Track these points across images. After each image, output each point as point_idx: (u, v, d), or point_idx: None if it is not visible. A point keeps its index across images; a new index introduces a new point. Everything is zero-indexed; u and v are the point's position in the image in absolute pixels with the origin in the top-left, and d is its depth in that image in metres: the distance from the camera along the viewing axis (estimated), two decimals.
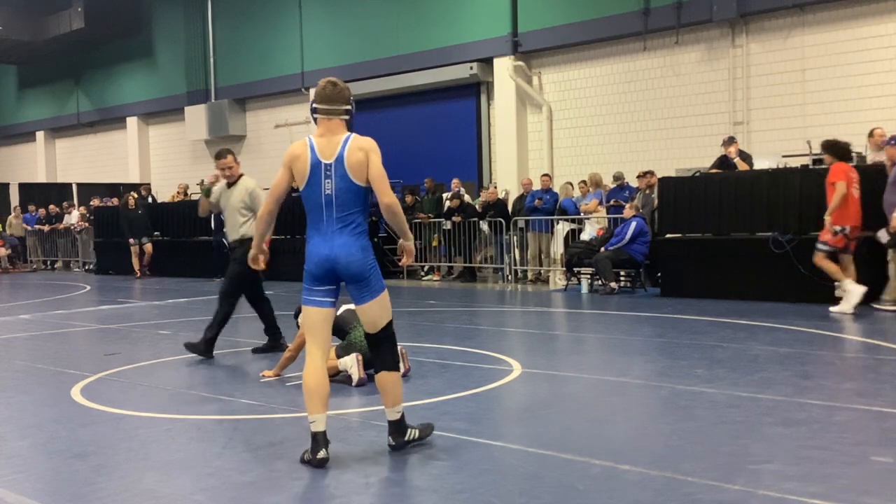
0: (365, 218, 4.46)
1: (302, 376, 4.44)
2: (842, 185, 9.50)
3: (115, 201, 22.88)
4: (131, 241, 18.73)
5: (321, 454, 4.30)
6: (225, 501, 3.88)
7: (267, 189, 5.43)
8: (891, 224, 9.41)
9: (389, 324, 4.54)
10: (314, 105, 4.43)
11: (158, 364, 7.63)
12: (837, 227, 9.61)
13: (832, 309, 9.57)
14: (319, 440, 4.34)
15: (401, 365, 5.02)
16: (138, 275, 18.63)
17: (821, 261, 9.73)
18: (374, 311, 4.47)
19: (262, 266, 4.92)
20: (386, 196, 4.36)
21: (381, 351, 4.53)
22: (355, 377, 6.18)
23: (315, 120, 4.45)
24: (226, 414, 5.59)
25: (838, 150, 9.95)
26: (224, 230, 7.96)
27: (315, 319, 4.44)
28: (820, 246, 9.74)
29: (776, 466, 4.11)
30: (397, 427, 4.54)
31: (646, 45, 16.04)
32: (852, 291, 9.41)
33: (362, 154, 4.33)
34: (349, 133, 4.41)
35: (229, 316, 7.71)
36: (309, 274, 4.43)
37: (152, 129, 27.02)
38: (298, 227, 16.94)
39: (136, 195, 19.77)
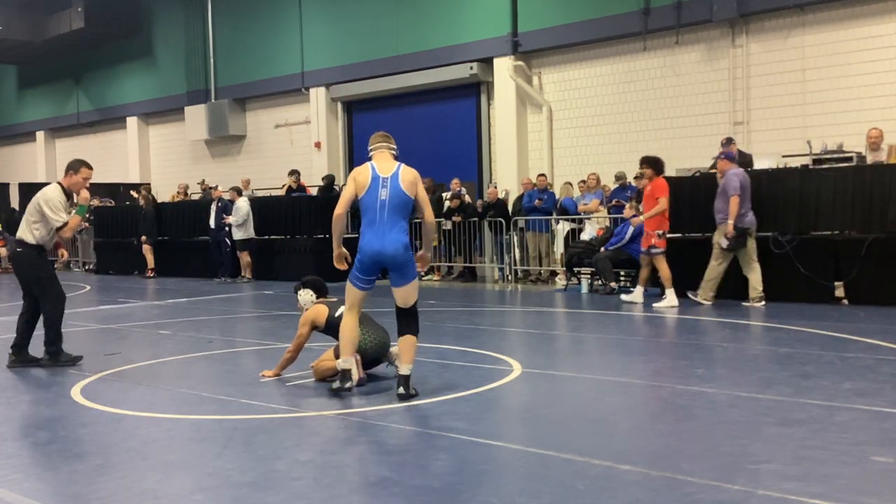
0: (408, 223, 5.89)
1: (340, 328, 5.94)
2: (664, 201, 10.86)
3: (112, 202, 22.89)
4: (144, 238, 18.69)
5: (347, 384, 5.86)
6: (225, 501, 3.89)
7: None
8: (727, 231, 10.43)
9: (416, 303, 5.91)
10: (371, 146, 6.00)
11: (158, 364, 7.63)
12: (660, 232, 10.91)
13: (624, 297, 11.50)
14: (346, 375, 5.88)
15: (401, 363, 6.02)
16: (152, 274, 18.60)
17: (663, 263, 10.92)
18: (408, 292, 5.85)
19: (345, 266, 6.05)
20: (430, 214, 6.07)
21: (408, 321, 5.89)
22: (354, 377, 6.17)
23: (371, 157, 5.97)
24: (225, 414, 5.59)
25: (659, 165, 11.15)
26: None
27: (357, 297, 5.90)
28: (656, 251, 10.94)
29: (776, 466, 4.11)
30: (406, 381, 5.76)
31: (646, 44, 16.03)
32: (638, 294, 11.42)
33: (413, 177, 5.85)
34: (400, 163, 5.93)
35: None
36: (361, 264, 5.81)
37: (152, 129, 27.00)
38: (297, 229, 16.95)
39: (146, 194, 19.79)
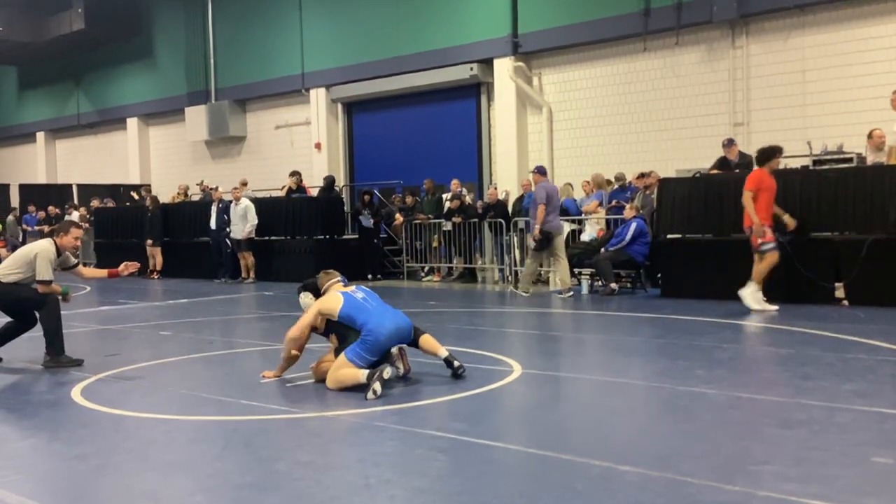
0: None
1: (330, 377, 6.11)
2: (746, 195, 10.21)
3: (113, 203, 22.87)
4: (150, 241, 18.68)
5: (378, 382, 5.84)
6: (225, 502, 3.89)
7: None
8: (534, 234, 12.29)
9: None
10: (324, 288, 6.61)
11: (158, 365, 7.63)
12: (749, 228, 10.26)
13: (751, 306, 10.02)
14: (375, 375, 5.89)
15: (400, 365, 6.27)
16: (156, 276, 18.59)
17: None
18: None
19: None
20: None
21: (417, 327, 6.45)
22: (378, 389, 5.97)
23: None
24: (226, 415, 5.59)
25: (759, 156, 10.58)
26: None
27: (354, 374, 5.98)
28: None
29: (776, 467, 4.11)
30: (451, 360, 6.34)
31: (646, 45, 16.03)
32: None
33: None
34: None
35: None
36: (374, 344, 6.03)
37: (152, 130, 27.00)
38: (297, 230, 16.95)
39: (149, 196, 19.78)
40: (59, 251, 7.73)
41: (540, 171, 12.82)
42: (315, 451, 4.72)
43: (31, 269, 7.51)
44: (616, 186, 14.53)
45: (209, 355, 8.10)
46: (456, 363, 6.33)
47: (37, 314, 7.71)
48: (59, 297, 7.66)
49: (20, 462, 4.68)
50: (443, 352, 6.39)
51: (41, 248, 7.59)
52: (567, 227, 15.04)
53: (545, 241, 12.39)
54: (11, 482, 4.23)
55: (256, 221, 16.84)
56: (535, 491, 3.86)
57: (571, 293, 12.37)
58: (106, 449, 4.88)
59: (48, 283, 7.53)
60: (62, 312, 7.69)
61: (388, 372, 5.91)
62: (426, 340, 6.43)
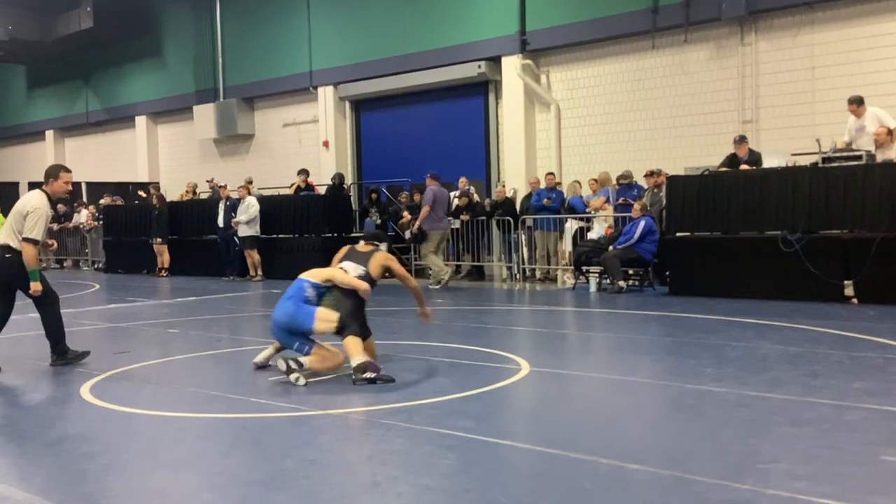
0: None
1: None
2: None
3: (122, 200, 22.90)
4: (159, 240, 18.70)
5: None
6: (233, 500, 3.89)
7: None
8: (413, 228, 14.34)
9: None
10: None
11: (167, 363, 7.65)
12: None
13: None
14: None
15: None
16: (164, 273, 18.60)
17: None
18: None
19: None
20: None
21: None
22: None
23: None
24: (234, 413, 5.60)
25: None
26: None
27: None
28: None
29: (785, 466, 4.10)
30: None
31: (654, 43, 15.99)
32: None
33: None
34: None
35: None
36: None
37: (161, 129, 27.05)
38: (306, 227, 16.96)
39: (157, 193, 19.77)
40: (52, 201, 7.34)
41: (433, 176, 14.49)
42: (323, 448, 4.73)
43: None
44: (623, 183, 14.49)
45: (217, 353, 8.12)
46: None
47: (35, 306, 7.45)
48: (29, 276, 7.12)
49: (29, 460, 4.70)
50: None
51: (34, 207, 7.14)
52: (574, 225, 15.06)
53: (420, 236, 14.48)
54: (20, 480, 4.25)
55: (255, 216, 16.80)
56: (543, 489, 3.85)
57: (439, 286, 14.01)
58: (115, 447, 4.90)
59: (35, 243, 7.11)
60: (62, 310, 7.60)
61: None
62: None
